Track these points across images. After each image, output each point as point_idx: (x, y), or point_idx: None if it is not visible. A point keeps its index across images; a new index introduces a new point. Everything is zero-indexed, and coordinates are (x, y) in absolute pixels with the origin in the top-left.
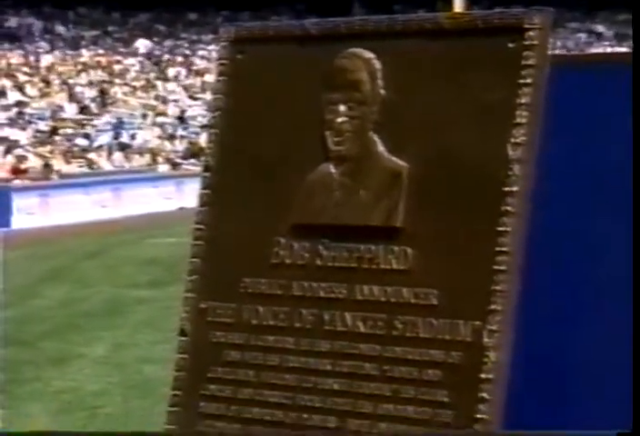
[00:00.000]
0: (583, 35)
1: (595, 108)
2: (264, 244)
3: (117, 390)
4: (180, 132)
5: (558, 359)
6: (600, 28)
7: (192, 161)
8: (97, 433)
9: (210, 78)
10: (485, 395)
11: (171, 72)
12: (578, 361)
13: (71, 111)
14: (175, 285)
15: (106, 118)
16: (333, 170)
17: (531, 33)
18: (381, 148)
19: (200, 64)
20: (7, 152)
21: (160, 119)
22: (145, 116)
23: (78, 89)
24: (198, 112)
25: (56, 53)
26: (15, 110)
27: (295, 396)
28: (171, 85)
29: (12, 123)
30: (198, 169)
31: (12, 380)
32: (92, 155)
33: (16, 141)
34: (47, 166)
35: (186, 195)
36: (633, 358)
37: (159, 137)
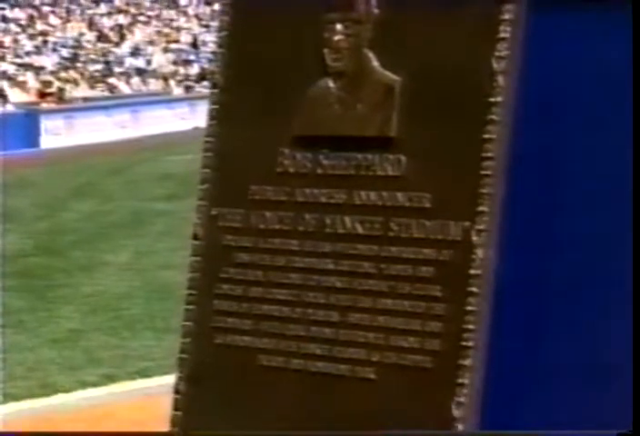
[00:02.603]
0: None
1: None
2: (269, 154)
3: (140, 293)
4: (192, 57)
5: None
6: None
7: (204, 84)
8: (101, 434)
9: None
10: (474, 289)
11: (183, 1)
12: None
13: (91, 39)
14: (191, 198)
15: (124, 45)
16: (331, 85)
17: None
18: (375, 63)
19: None
20: (34, 77)
21: (174, 46)
22: (159, 43)
23: (97, 19)
24: (209, 38)
25: None
26: (40, 38)
27: (300, 293)
28: (183, 15)
29: (38, 50)
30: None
31: (46, 285)
32: (112, 80)
33: (42, 67)
34: (61, 90)
35: (199, 116)
36: (633, 358)
37: (174, 63)
